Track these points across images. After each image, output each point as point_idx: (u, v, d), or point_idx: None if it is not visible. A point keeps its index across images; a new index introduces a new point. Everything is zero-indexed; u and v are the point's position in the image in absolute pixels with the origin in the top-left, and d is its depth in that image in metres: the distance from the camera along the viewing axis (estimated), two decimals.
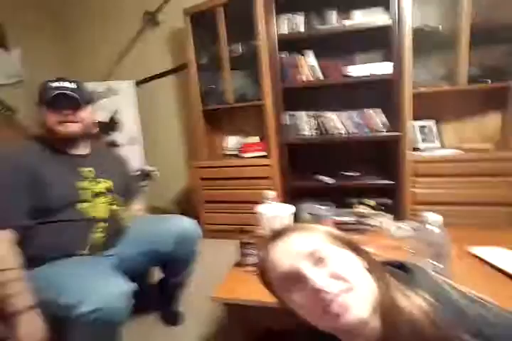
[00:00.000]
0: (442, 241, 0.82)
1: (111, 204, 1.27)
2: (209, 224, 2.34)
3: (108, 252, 1.25)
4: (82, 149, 1.28)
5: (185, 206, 2.70)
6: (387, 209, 1.71)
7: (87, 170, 1.24)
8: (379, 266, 0.53)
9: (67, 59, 2.82)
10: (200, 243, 1.43)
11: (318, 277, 0.48)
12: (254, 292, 0.98)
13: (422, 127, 2.11)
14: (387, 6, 1.87)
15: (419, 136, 2.10)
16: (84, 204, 1.18)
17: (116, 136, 2.56)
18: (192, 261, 1.41)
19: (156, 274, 1.59)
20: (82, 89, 1.23)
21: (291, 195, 2.14)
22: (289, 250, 0.53)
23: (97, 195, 1.22)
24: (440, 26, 1.90)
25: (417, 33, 1.86)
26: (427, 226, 0.84)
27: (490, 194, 1.85)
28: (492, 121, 2.05)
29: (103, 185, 1.26)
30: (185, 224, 1.35)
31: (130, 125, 2.58)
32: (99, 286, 0.97)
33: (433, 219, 0.83)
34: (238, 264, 1.14)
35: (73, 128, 1.18)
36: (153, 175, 2.32)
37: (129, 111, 2.58)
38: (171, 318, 1.50)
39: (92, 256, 1.18)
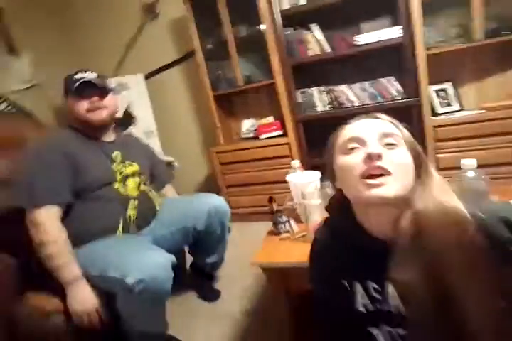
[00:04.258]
0: (481, 185, 0.82)
1: (140, 185, 1.34)
2: (235, 208, 2.36)
3: (142, 231, 1.30)
4: (109, 135, 1.35)
5: (209, 191, 2.74)
6: None
7: (116, 154, 1.30)
8: (431, 177, 0.54)
9: (74, 57, 2.86)
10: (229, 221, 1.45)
11: (378, 148, 0.52)
12: (291, 256, 1.00)
13: (439, 91, 2.06)
14: None
15: (436, 101, 2.05)
16: (116, 184, 1.25)
17: (133, 131, 2.60)
18: (224, 235, 1.44)
19: (188, 258, 1.63)
20: (104, 79, 1.31)
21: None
22: (370, 124, 0.57)
23: (127, 176, 1.30)
24: None
25: None
26: (467, 173, 0.83)
27: None
28: None
29: (130, 168, 1.33)
30: (215, 199, 1.40)
31: (144, 119, 2.61)
32: (140, 259, 1.02)
33: (470, 164, 0.83)
34: (272, 233, 1.16)
35: (101, 114, 1.25)
36: (174, 165, 2.37)
37: (142, 104, 2.61)
38: (208, 295, 1.54)
39: (129, 235, 1.23)
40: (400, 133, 0.56)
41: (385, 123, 0.57)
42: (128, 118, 2.58)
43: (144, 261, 1.02)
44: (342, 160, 0.56)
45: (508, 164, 1.81)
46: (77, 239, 1.15)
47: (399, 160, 0.52)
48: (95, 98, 1.23)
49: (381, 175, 0.50)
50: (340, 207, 0.62)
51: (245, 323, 1.32)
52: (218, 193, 2.33)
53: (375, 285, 0.55)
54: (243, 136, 2.48)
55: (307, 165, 2.15)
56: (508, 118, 1.78)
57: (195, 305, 1.51)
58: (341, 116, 2.14)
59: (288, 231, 1.12)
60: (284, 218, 1.13)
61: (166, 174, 1.64)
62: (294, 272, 0.99)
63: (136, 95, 2.60)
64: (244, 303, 1.44)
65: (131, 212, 1.26)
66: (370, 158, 0.51)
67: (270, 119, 2.35)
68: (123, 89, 2.57)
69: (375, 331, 0.54)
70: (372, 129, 0.55)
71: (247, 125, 2.47)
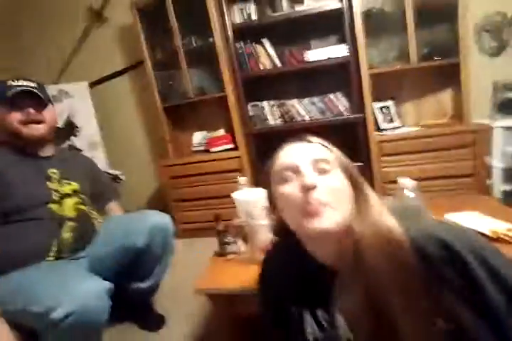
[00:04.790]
0: (419, 204, 0.85)
1: (79, 205, 1.24)
2: (184, 223, 2.28)
3: (78, 254, 1.20)
4: (47, 150, 1.24)
5: (158, 207, 2.62)
6: None
7: (52, 172, 1.20)
8: (366, 197, 0.54)
9: (12, 62, 2.63)
10: (175, 239, 1.38)
11: (312, 177, 0.50)
12: (238, 280, 0.95)
13: (383, 107, 2.17)
14: None
15: (380, 117, 2.16)
16: (52, 205, 1.14)
17: (75, 141, 2.42)
18: (167, 255, 1.35)
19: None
20: (43, 88, 1.19)
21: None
22: (302, 151, 0.55)
23: (64, 196, 1.19)
24: (385, 7, 1.96)
25: (367, 14, 1.91)
26: (404, 191, 0.85)
27: (454, 166, 1.92)
28: (446, 97, 2.15)
29: (69, 186, 1.23)
30: (158, 217, 1.31)
31: (88, 129, 2.45)
32: (71, 289, 0.92)
33: (407, 183, 0.85)
34: (218, 254, 1.11)
35: (39, 129, 1.14)
36: (120, 179, 2.23)
37: (86, 114, 2.45)
38: (152, 323, 1.43)
39: (62, 260, 1.13)
40: (332, 155, 0.56)
41: (316, 146, 0.57)
42: (70, 129, 2.40)
43: (75, 291, 0.91)
44: (279, 190, 0.54)
45: (441, 177, 1.93)
46: (2, 266, 1.03)
47: (334, 187, 0.52)
48: (31, 110, 1.10)
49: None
50: (285, 233, 0.60)
51: None
52: (165, 208, 2.24)
53: (324, 314, 0.55)
54: (195, 148, 2.42)
55: (258, 180, 2.14)
56: (441, 135, 1.91)
57: (138, 334, 1.40)
58: (292, 129, 2.17)
59: (235, 253, 1.08)
60: (231, 238, 1.09)
61: (110, 191, 1.53)
62: (240, 297, 0.95)
63: (79, 104, 2.44)
64: (189, 329, 1.35)
65: (66, 234, 1.15)
66: (306, 189, 0.50)
67: (221, 132, 2.32)
68: (65, 98, 2.40)
69: None
70: (305, 156, 0.54)
71: (198, 138, 2.41)
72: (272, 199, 0.59)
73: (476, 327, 0.43)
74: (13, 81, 1.11)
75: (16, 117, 1.10)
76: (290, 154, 0.56)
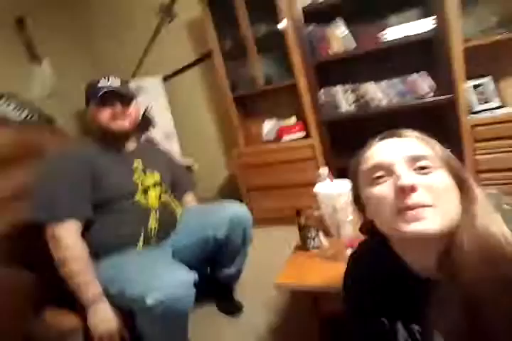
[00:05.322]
0: None
1: (162, 195, 1.30)
2: (257, 213, 2.28)
3: (163, 243, 1.25)
4: (131, 144, 1.31)
5: (231, 196, 2.69)
6: None
7: (136, 164, 1.26)
8: (473, 198, 0.46)
9: (92, 61, 2.86)
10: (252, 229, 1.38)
11: (408, 176, 0.44)
12: (321, 277, 0.91)
13: (476, 86, 1.89)
14: None
15: (474, 97, 1.89)
16: (138, 196, 1.21)
17: (152, 134, 2.57)
18: (245, 245, 1.38)
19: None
20: (127, 85, 1.27)
21: (337, 175, 2.03)
22: (396, 147, 0.48)
23: (148, 187, 1.25)
24: None
25: None
26: None
27: None
28: None
29: (151, 178, 1.28)
30: (236, 207, 1.34)
31: (163, 121, 2.58)
32: (161, 277, 0.97)
33: None
34: (299, 248, 1.07)
35: (124, 124, 1.21)
36: (193, 169, 2.32)
37: (160, 106, 2.57)
38: (230, 308, 1.48)
39: (149, 248, 1.19)
40: (434, 152, 0.47)
41: (412, 141, 0.48)
42: (147, 122, 2.55)
43: (165, 279, 0.97)
44: (370, 192, 0.48)
45: None
46: (98, 252, 1.12)
47: (438, 187, 0.44)
48: (119, 107, 1.17)
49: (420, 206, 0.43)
50: (375, 234, 0.54)
51: (271, 339, 1.25)
52: (239, 197, 2.27)
53: (418, 328, 0.49)
54: (265, 137, 2.40)
55: (332, 167, 2.04)
56: None
57: (217, 318, 1.45)
58: (368, 116, 2.02)
59: (318, 247, 1.03)
60: (313, 233, 1.04)
61: (187, 181, 1.59)
62: (324, 294, 0.91)
63: (154, 97, 2.56)
64: (268, 317, 1.36)
65: (152, 223, 1.22)
66: (402, 191, 0.43)
67: (292, 120, 2.25)
68: (141, 92, 2.55)
69: None
70: (400, 152, 0.47)
71: (269, 127, 2.38)
72: (359, 199, 0.53)
73: None
74: (99, 81, 1.19)
75: (105, 115, 1.17)
76: (381, 151, 0.49)
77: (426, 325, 0.48)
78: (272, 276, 0.99)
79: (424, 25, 1.77)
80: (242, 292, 1.56)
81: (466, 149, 1.79)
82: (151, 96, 2.56)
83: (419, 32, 1.78)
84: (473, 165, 1.80)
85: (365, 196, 0.50)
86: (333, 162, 2.05)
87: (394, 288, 0.52)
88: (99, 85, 1.17)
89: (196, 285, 1.03)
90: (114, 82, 1.19)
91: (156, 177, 1.30)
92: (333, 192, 1.01)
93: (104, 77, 1.20)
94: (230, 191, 2.66)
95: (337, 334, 0.96)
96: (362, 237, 0.64)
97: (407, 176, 0.44)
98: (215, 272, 1.47)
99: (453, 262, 0.43)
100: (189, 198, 1.56)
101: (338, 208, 0.95)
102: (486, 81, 1.88)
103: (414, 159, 0.46)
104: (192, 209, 1.48)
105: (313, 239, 1.03)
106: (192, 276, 1.02)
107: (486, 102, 1.89)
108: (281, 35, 2.00)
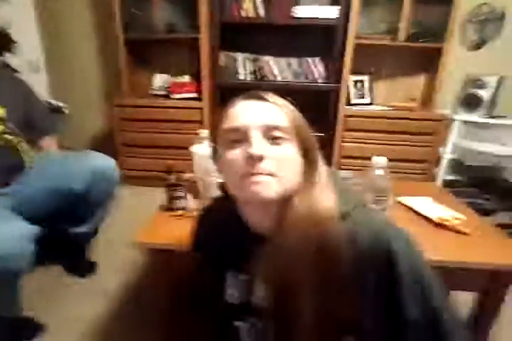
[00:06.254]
0: (386, 183, 0.83)
1: (3, 134, 1.07)
2: (129, 170, 2.12)
3: (1, 190, 1.03)
4: None
5: (103, 149, 2.42)
6: None
7: None
8: (315, 173, 0.51)
9: None
10: (118, 187, 1.27)
11: (260, 146, 0.46)
12: (180, 236, 0.89)
13: (357, 81, 2.12)
14: None
15: (353, 91, 2.12)
16: None
17: (11, 59, 2.06)
18: (107, 202, 1.25)
19: None
20: None
21: None
22: (255, 112, 0.49)
23: None
24: None
25: None
26: (375, 170, 0.83)
27: (411, 150, 1.99)
28: (419, 82, 2.16)
29: None
30: (102, 160, 1.19)
31: (28, 45, 2.08)
32: None
33: (380, 162, 0.82)
34: (164, 208, 1.03)
35: None
36: (63, 112, 1.98)
37: (27, 27, 2.06)
38: (81, 269, 1.36)
39: None
40: (290, 122, 0.49)
41: (273, 109, 0.50)
42: (3, 41, 2.01)
43: None
44: (224, 154, 0.49)
45: (404, 161, 1.99)
46: None
47: (285, 159, 0.48)
48: None
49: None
50: (226, 194, 0.57)
51: (120, 301, 1.20)
52: (112, 151, 2.06)
53: (245, 278, 0.56)
54: (154, 91, 2.20)
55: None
56: (406, 119, 1.95)
57: (65, 279, 1.32)
58: (262, 88, 2.04)
59: (184, 208, 1.00)
60: (181, 193, 1.00)
61: (47, 123, 1.33)
62: (179, 253, 0.89)
63: (18, 13, 2.03)
64: (122, 277, 1.30)
65: None
66: (251, 159, 0.45)
67: (186, 78, 2.11)
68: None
69: (239, 323, 0.58)
70: (258, 119, 0.48)
71: (161, 80, 2.18)
72: (216, 157, 0.54)
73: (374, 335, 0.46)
74: None
75: None
76: (241, 114, 0.49)
77: (253, 277, 0.54)
78: (132, 236, 0.93)
79: (331, 11, 1.84)
80: (98, 252, 1.45)
81: (337, 135, 2.02)
82: (15, 10, 2.02)
83: (326, 17, 1.85)
84: (339, 150, 2.04)
85: (219, 156, 0.52)
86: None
87: (234, 244, 0.57)
88: None
89: (40, 241, 0.90)
90: None
91: (0, 112, 1.06)
92: (208, 153, 0.99)
93: None
94: (103, 144, 2.39)
95: (188, 293, 0.98)
96: None
97: (258, 146, 0.46)
98: (69, 228, 1.31)
99: (284, 223, 0.49)
100: (47, 142, 1.32)
101: (212, 170, 0.93)
102: (365, 79, 2.12)
103: (269, 129, 0.47)
104: (48, 155, 1.26)
105: (180, 199, 1.00)
106: (31, 231, 0.89)
107: (361, 97, 2.14)
108: None
